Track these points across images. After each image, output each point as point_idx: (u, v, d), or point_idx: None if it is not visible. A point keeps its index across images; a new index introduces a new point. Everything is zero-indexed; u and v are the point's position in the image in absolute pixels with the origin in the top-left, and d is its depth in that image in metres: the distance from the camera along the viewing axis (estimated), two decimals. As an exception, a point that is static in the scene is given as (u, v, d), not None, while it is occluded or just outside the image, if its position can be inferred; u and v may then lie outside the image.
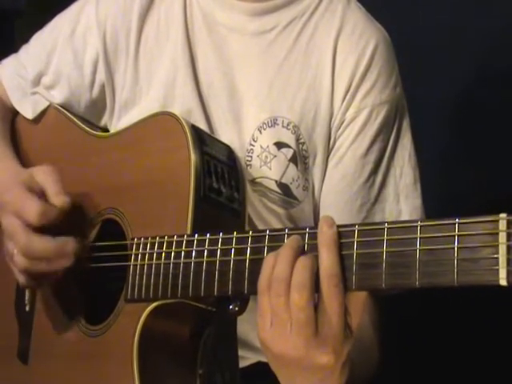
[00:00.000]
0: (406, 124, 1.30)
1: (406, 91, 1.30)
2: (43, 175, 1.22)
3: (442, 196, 1.45)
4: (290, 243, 0.96)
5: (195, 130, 1.17)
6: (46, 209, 1.17)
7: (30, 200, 1.17)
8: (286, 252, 0.94)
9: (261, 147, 1.25)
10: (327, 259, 0.92)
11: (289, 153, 1.25)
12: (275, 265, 0.94)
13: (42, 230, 1.17)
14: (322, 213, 1.27)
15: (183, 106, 1.27)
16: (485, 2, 1.78)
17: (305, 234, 0.97)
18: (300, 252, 0.95)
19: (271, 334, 0.95)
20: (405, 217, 1.26)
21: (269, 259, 0.96)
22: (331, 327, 0.92)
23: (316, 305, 0.93)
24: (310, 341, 0.92)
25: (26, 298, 1.31)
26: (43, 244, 1.16)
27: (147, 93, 1.32)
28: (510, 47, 1.73)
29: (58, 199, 1.18)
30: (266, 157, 1.25)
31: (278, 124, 1.26)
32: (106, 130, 1.38)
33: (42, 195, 1.19)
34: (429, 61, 1.81)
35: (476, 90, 1.80)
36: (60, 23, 1.40)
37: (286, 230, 0.99)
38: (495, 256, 0.82)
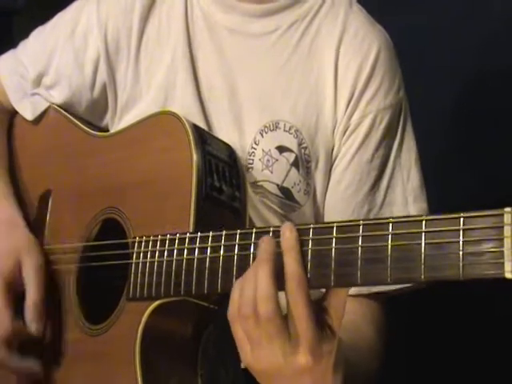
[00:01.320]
0: (409, 126, 1.30)
1: (406, 90, 1.30)
2: (31, 276, 1.24)
3: (443, 197, 1.45)
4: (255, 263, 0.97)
5: (196, 129, 1.17)
6: (20, 333, 1.22)
7: (8, 318, 1.21)
8: (250, 274, 0.96)
9: (262, 151, 1.25)
10: (289, 261, 0.94)
11: (291, 157, 1.25)
12: (242, 290, 0.96)
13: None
14: (329, 219, 1.27)
15: (182, 108, 1.26)
16: (485, 2, 1.79)
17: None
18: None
19: (252, 357, 0.96)
20: None
21: (235, 286, 0.98)
22: (301, 328, 0.93)
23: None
24: (285, 348, 0.94)
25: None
26: (12, 363, 1.21)
27: (147, 93, 1.31)
28: (510, 48, 1.74)
29: (33, 327, 1.23)
30: (268, 160, 1.25)
31: (279, 128, 1.26)
32: (106, 130, 1.37)
33: (21, 293, 1.23)
34: (428, 62, 1.81)
35: (476, 90, 1.80)
36: (61, 22, 1.40)
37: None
38: (500, 249, 0.82)
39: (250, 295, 0.94)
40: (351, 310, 1.21)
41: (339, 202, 1.27)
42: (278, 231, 0.98)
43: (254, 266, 0.96)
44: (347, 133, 1.26)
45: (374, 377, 1.21)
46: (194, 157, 1.13)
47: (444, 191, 1.64)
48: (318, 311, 0.96)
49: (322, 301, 0.97)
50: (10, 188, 1.36)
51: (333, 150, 1.27)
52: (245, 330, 0.96)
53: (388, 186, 1.27)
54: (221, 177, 1.16)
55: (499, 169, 1.73)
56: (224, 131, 1.26)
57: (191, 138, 1.14)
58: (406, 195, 1.28)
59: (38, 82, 1.40)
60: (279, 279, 0.95)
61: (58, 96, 1.38)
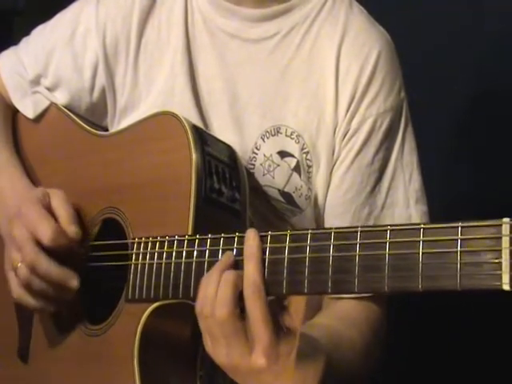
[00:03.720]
0: (410, 127, 1.29)
1: (408, 93, 1.29)
2: (58, 200, 1.22)
3: (444, 200, 1.45)
4: (217, 264, 1.01)
5: (196, 129, 1.17)
6: (60, 235, 1.18)
7: (47, 221, 1.18)
8: (214, 274, 1.00)
9: (264, 156, 1.25)
10: (247, 268, 0.97)
11: (292, 162, 1.25)
12: (205, 290, 0.99)
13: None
14: (329, 223, 1.26)
15: (181, 113, 1.23)
16: (485, 4, 1.78)
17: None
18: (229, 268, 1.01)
19: (213, 351, 1.00)
20: (415, 221, 1.25)
21: (202, 282, 1.01)
22: (256, 332, 0.96)
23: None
24: (241, 348, 0.97)
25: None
26: (49, 267, 1.17)
27: (146, 98, 1.31)
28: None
29: (71, 229, 1.20)
30: (270, 165, 1.25)
31: (281, 133, 1.25)
32: (107, 129, 1.37)
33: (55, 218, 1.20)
34: (431, 62, 1.80)
35: (478, 91, 1.80)
36: (60, 23, 1.39)
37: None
38: (498, 261, 0.82)
39: (212, 296, 0.98)
40: (344, 308, 1.22)
41: (339, 206, 1.26)
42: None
43: (220, 270, 1.00)
44: (347, 136, 1.25)
45: (368, 372, 1.22)
46: (194, 157, 1.13)
47: (443, 195, 1.63)
48: (278, 311, 0.98)
49: (283, 299, 0.99)
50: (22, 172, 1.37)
51: (333, 153, 1.26)
52: (205, 326, 0.99)
53: (389, 188, 1.26)
54: (221, 178, 1.16)
55: (502, 170, 1.72)
56: (224, 136, 1.25)
57: (191, 138, 1.14)
58: (407, 197, 1.27)
59: (36, 82, 1.39)
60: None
61: (59, 98, 1.37)
